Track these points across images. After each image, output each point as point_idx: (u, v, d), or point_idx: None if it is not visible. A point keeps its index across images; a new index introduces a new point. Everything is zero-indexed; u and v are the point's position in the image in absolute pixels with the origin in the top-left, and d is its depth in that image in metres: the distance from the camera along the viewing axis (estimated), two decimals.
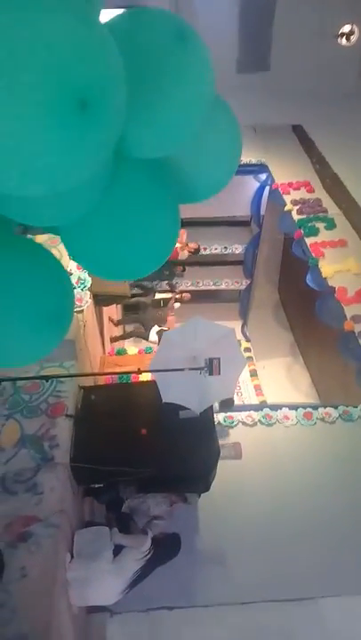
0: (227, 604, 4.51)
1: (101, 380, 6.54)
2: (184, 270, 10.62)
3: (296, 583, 4.62)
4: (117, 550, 4.17)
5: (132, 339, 9.72)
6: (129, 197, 2.20)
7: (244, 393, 9.74)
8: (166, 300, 9.67)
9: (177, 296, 9.73)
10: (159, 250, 2.44)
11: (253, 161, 8.88)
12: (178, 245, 9.42)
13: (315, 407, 6.19)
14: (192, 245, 9.68)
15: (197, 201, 2.65)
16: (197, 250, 9.85)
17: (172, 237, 2.45)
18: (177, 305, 9.59)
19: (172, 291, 10.08)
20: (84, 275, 6.18)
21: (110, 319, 8.87)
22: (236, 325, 11.15)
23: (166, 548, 4.31)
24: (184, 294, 9.79)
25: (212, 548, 4.51)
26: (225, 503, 4.56)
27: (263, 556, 4.48)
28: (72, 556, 4.15)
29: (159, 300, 9.68)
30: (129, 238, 2.26)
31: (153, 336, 8.61)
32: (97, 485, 4.89)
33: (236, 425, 5.91)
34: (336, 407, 6.10)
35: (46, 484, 4.24)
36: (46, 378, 4.71)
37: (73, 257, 2.43)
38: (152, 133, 1.99)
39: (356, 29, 8.79)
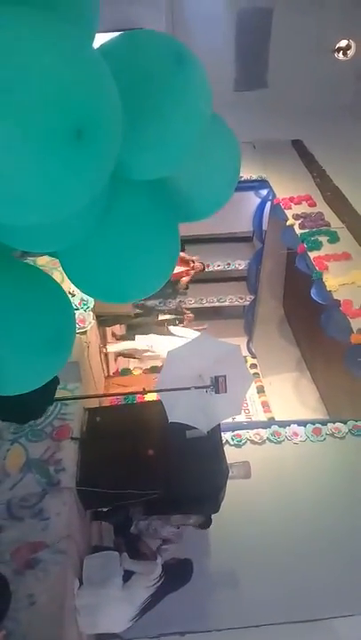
0: (240, 627, 4.42)
1: (106, 402, 6.50)
2: (187, 288, 10.58)
3: (310, 604, 4.53)
4: (127, 576, 4.10)
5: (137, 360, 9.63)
6: (127, 219, 2.18)
7: (252, 410, 9.65)
8: (172, 321, 9.62)
9: (179, 317, 9.67)
10: (160, 271, 2.41)
11: (254, 177, 8.89)
12: (183, 269, 9.40)
13: (324, 423, 6.12)
14: (197, 267, 9.61)
15: (198, 219, 2.64)
16: (203, 269, 9.80)
17: (172, 258, 2.43)
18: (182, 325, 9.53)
19: (177, 311, 10.01)
20: (87, 295, 6.16)
21: (113, 334, 8.82)
22: (242, 341, 11.09)
23: (177, 574, 4.23)
24: (187, 315, 9.74)
25: (224, 570, 4.43)
26: (235, 524, 4.49)
27: (276, 577, 4.40)
28: (81, 583, 4.08)
29: (163, 321, 9.64)
30: (128, 261, 2.22)
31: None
32: (104, 509, 4.84)
33: (244, 443, 5.84)
34: (345, 422, 6.02)
35: (52, 509, 4.19)
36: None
37: (72, 281, 2.41)
38: (150, 155, 1.97)
39: (352, 44, 8.87)
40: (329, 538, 4.94)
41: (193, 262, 9.46)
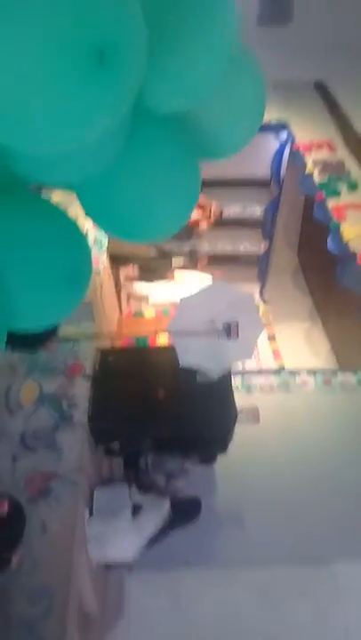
0: (243, 564, 4.60)
1: (119, 343, 6.57)
2: (206, 228, 10.44)
3: (313, 546, 4.68)
4: (136, 509, 4.25)
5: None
6: (148, 154, 2.12)
7: (262, 358, 9.71)
8: (185, 266, 9.56)
9: (192, 262, 9.61)
10: (179, 210, 2.37)
11: (274, 119, 8.61)
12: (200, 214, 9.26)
13: (334, 373, 6.16)
14: (215, 212, 9.45)
15: (220, 158, 2.57)
16: (221, 215, 9.65)
17: (192, 197, 2.38)
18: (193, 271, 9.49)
19: (191, 255, 9.92)
20: (101, 235, 6.13)
21: (127, 277, 8.81)
22: (255, 289, 11.04)
23: (185, 511, 4.38)
24: (201, 260, 9.67)
25: (230, 509, 4.58)
26: (242, 466, 4.61)
27: (281, 519, 4.54)
28: (91, 514, 4.24)
29: (177, 265, 9.58)
30: (147, 197, 2.17)
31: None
32: (115, 445, 4.96)
33: (254, 389, 5.91)
34: (356, 372, 6.06)
35: (65, 443, 4.31)
36: (65, 340, 4.73)
37: (89, 215, 2.37)
38: (172, 85, 1.90)
39: None
40: (335, 484, 5.05)
41: (210, 208, 9.31)
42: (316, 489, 5.01)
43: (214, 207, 9.31)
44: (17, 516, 3.17)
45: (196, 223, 9.13)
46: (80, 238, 2.52)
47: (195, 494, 4.53)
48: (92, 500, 4.31)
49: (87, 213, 2.37)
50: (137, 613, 4.42)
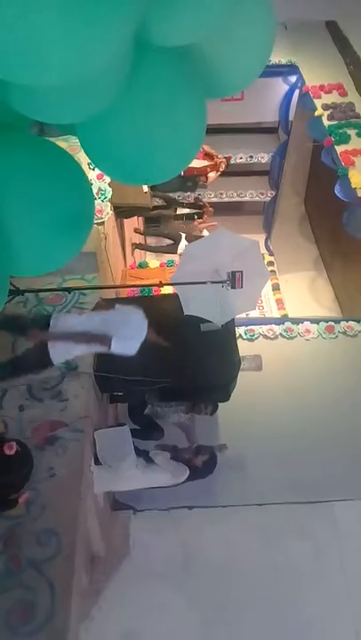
0: (244, 504, 4.75)
1: (123, 294, 6.56)
2: (207, 181, 10.28)
3: (312, 488, 4.83)
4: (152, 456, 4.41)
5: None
6: (151, 91, 2.04)
7: (266, 307, 9.71)
8: (190, 215, 9.44)
9: (199, 211, 9.47)
10: (184, 150, 2.28)
11: (283, 61, 8.29)
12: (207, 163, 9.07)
13: (337, 321, 6.17)
14: (222, 162, 9.23)
15: (225, 95, 2.46)
16: (227, 165, 9.43)
17: (197, 136, 2.29)
18: (201, 221, 9.36)
19: (196, 205, 9.77)
20: (105, 185, 6.02)
21: (135, 229, 8.73)
22: (260, 239, 10.91)
23: (200, 475, 4.52)
24: (207, 209, 9.53)
25: (232, 452, 4.68)
26: (245, 412, 4.69)
27: (282, 463, 4.66)
28: (96, 459, 4.35)
29: (182, 214, 9.46)
30: (150, 136, 2.09)
31: (183, 248, 8.47)
32: (120, 393, 5.04)
33: (257, 338, 5.94)
34: (359, 321, 6.07)
35: (71, 392, 4.38)
36: (69, 290, 4.74)
37: (91, 158, 2.30)
38: (177, 15, 1.79)
39: None
40: (335, 429, 5.17)
41: (217, 157, 9.10)
42: (316, 433, 5.13)
43: (222, 157, 9.11)
44: (25, 458, 3.26)
45: (204, 172, 8.95)
46: (82, 180, 2.46)
47: (198, 439, 4.61)
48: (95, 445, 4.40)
49: (88, 154, 2.30)
50: (142, 553, 4.61)
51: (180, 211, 9.46)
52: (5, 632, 3.27)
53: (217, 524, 4.67)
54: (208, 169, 8.95)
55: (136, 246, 8.67)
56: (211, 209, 9.43)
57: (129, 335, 3.87)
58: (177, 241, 8.50)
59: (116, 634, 4.18)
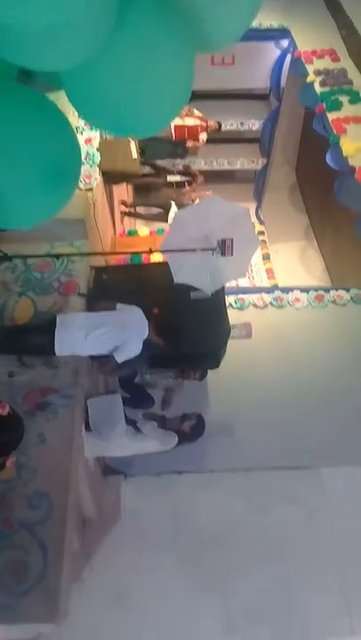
0: (234, 469, 4.83)
1: (113, 261, 6.52)
2: (198, 142, 10.14)
3: (301, 454, 4.92)
4: (140, 425, 4.46)
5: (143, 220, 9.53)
6: (139, 39, 1.99)
7: (256, 277, 9.70)
8: (180, 183, 9.33)
9: (186, 180, 9.37)
10: (171, 101, 2.24)
11: (275, 25, 8.14)
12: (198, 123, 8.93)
13: (326, 290, 6.19)
14: (212, 125, 9.10)
15: (213, 49, 2.41)
16: (219, 129, 9.30)
17: (185, 88, 2.25)
18: (191, 188, 9.27)
19: (186, 173, 9.65)
20: (93, 150, 5.94)
21: (122, 202, 8.63)
22: (251, 207, 10.83)
23: (190, 438, 4.57)
24: (197, 177, 9.42)
25: (221, 419, 4.74)
26: (234, 379, 4.74)
27: (271, 429, 4.72)
28: (86, 425, 4.38)
29: (172, 182, 9.35)
30: (137, 85, 2.06)
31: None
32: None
33: (247, 307, 5.96)
34: (348, 290, 6.10)
35: (61, 359, 4.36)
36: (57, 256, 4.70)
37: (77, 108, 2.25)
38: None
39: None
40: (324, 396, 5.24)
41: (207, 121, 8.97)
42: (305, 400, 5.20)
43: (212, 122, 8.99)
44: (16, 421, 3.27)
45: (195, 131, 8.82)
46: (68, 131, 2.40)
47: (187, 406, 4.65)
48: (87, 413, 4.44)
49: (74, 105, 2.25)
50: (133, 517, 4.68)
51: (171, 178, 9.35)
52: None
53: (207, 488, 4.75)
54: (199, 128, 8.82)
55: (126, 214, 8.58)
56: (201, 177, 9.33)
57: (132, 337, 4.14)
58: (167, 209, 8.43)
59: (107, 595, 4.27)
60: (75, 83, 2.16)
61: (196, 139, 8.91)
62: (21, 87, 2.31)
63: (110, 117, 2.24)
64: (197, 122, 8.74)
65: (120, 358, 4.15)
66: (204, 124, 8.82)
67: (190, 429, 4.59)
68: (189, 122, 8.71)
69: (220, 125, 9.11)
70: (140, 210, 9.71)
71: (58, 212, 2.41)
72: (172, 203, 8.26)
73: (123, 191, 8.93)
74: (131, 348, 4.16)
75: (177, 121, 8.54)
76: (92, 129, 5.98)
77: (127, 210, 8.78)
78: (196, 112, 8.78)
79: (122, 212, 8.52)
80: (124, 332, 4.14)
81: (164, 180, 9.27)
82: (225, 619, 4.14)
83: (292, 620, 4.12)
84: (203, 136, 8.96)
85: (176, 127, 8.57)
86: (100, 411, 4.44)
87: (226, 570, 4.36)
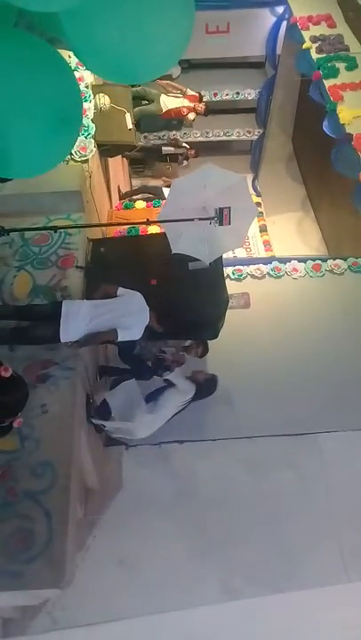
0: (233, 438, 4.90)
1: (110, 234, 6.50)
2: (193, 120, 10.04)
3: (299, 421, 5.00)
4: (158, 393, 4.53)
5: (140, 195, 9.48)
6: None
7: (253, 248, 9.67)
8: (174, 157, 9.26)
9: (181, 152, 9.30)
10: (172, 44, 2.21)
11: None
12: (185, 106, 8.84)
13: (324, 259, 6.21)
14: (200, 108, 9.00)
15: None
16: (206, 111, 9.20)
17: (186, 31, 2.21)
18: (185, 162, 9.21)
19: (176, 145, 9.55)
20: (88, 121, 5.87)
21: (119, 190, 8.57)
22: (247, 179, 10.76)
23: (206, 391, 4.64)
24: (190, 151, 9.35)
25: (220, 388, 4.77)
26: (234, 349, 4.77)
27: (269, 397, 4.78)
28: (90, 399, 4.43)
29: (166, 155, 9.27)
30: (139, 29, 2.03)
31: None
32: None
33: (245, 277, 5.97)
34: (345, 259, 6.11)
35: None
36: (54, 228, 4.67)
37: (78, 55, 2.22)
38: None
39: None
40: (322, 364, 5.31)
41: (197, 103, 8.87)
42: (302, 368, 5.28)
43: (200, 106, 8.91)
44: (19, 384, 3.29)
45: (180, 113, 8.76)
46: (69, 75, 2.36)
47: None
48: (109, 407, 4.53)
49: (74, 48, 2.22)
50: (134, 485, 4.76)
51: (165, 150, 9.27)
52: (5, 559, 3.41)
53: (207, 456, 4.83)
54: (185, 110, 8.73)
55: (123, 195, 8.54)
56: (192, 151, 9.26)
57: (134, 323, 4.21)
58: (160, 195, 8.39)
59: (111, 561, 4.37)
60: (74, 28, 2.12)
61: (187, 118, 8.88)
62: (22, 32, 2.27)
63: (111, 62, 2.21)
64: (185, 103, 8.67)
65: (122, 337, 4.20)
66: (192, 106, 8.76)
67: (205, 381, 4.67)
68: (174, 104, 8.68)
69: (207, 107, 9.02)
70: (135, 183, 9.65)
71: (63, 159, 2.37)
72: (163, 189, 8.26)
73: (118, 165, 8.85)
74: (133, 332, 4.24)
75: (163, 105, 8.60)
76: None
77: (124, 192, 8.75)
78: (190, 91, 8.75)
79: (119, 193, 8.48)
80: (127, 319, 4.21)
81: (160, 152, 9.21)
82: (225, 580, 4.24)
83: (290, 578, 4.22)
84: (191, 115, 8.89)
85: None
86: (119, 401, 4.52)
87: (226, 534, 4.45)
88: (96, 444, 4.76)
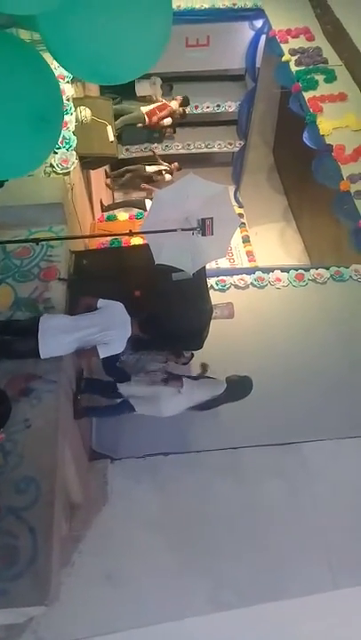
0: (218, 449, 4.87)
1: (93, 245, 6.48)
2: (174, 132, 10.11)
3: (284, 430, 4.99)
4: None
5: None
6: None
7: (237, 259, 9.71)
8: (159, 172, 9.32)
9: (165, 168, 9.36)
10: (149, 45, 2.21)
11: (249, 4, 8.14)
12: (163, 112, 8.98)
13: (306, 269, 6.25)
14: (177, 99, 9.12)
15: None
16: (184, 115, 9.31)
17: (163, 32, 2.21)
18: (168, 177, 9.26)
19: (158, 163, 9.61)
20: (69, 134, 5.87)
21: (101, 203, 8.58)
22: (229, 190, 10.83)
23: (237, 391, 4.64)
24: (173, 165, 9.42)
25: None
26: (218, 359, 4.75)
27: (254, 407, 4.75)
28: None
29: (150, 174, 9.34)
30: (116, 29, 2.03)
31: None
32: None
33: (228, 288, 5.98)
34: (328, 268, 6.15)
35: None
36: (36, 241, 4.65)
37: (55, 55, 2.21)
38: None
39: None
40: (305, 373, 5.31)
41: (174, 106, 8.98)
42: (286, 378, 5.28)
43: (178, 107, 9.03)
44: (1, 397, 3.24)
45: (152, 115, 8.86)
46: (50, 75, 2.35)
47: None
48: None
49: (52, 52, 2.21)
50: (120, 500, 4.69)
51: (149, 169, 9.35)
52: None
53: (193, 468, 4.79)
54: (157, 111, 8.82)
55: (106, 208, 8.56)
56: (174, 164, 9.34)
57: (115, 338, 4.21)
58: (143, 208, 8.43)
59: (97, 576, 4.29)
60: (51, 28, 2.11)
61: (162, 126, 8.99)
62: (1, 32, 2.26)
63: (88, 62, 2.21)
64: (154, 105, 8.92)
65: (103, 354, 4.20)
66: (170, 111, 8.90)
67: (238, 380, 4.67)
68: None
69: (184, 112, 9.15)
70: (118, 195, 9.67)
71: (45, 159, 2.35)
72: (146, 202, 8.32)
73: (100, 178, 8.87)
74: (114, 347, 4.23)
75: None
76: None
77: (107, 205, 8.78)
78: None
79: (102, 206, 8.50)
80: (108, 332, 4.18)
81: (143, 171, 9.27)
82: (213, 593, 4.20)
83: (279, 590, 4.18)
84: (167, 121, 9.00)
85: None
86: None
87: (213, 546, 4.41)
88: (80, 457, 4.70)
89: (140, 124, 9.08)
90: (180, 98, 9.18)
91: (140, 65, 2.26)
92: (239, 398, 4.65)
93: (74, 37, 2.07)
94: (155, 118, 8.92)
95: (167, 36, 2.27)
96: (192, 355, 4.93)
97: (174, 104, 9.08)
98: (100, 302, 4.32)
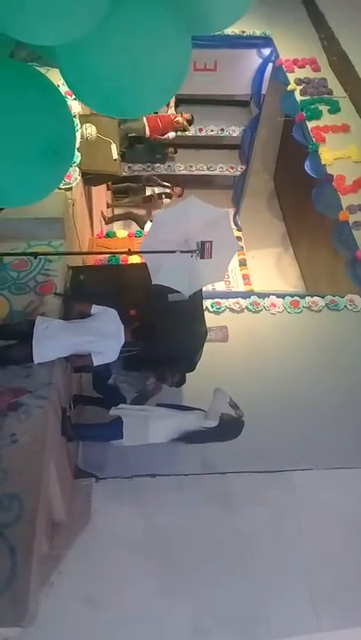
0: (206, 473, 4.82)
1: (91, 262, 6.48)
2: (176, 152, 10.21)
3: (272, 458, 4.93)
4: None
5: (121, 222, 9.55)
6: (135, 17, 1.99)
7: (233, 282, 9.74)
8: (160, 195, 9.39)
9: (166, 191, 9.45)
10: (166, 80, 2.22)
11: (257, 33, 8.27)
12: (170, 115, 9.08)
13: (302, 296, 6.26)
14: (184, 116, 9.22)
15: (211, 31, 2.40)
16: (191, 121, 9.39)
17: (180, 68, 2.23)
18: (167, 201, 9.33)
19: (159, 185, 9.69)
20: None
21: (102, 214, 8.62)
22: (229, 213, 10.88)
23: (227, 430, 4.55)
24: (175, 189, 9.50)
25: None
26: (209, 383, 4.71)
27: (243, 433, 4.70)
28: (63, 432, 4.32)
29: (151, 196, 9.41)
30: (133, 64, 2.04)
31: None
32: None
33: (223, 311, 5.97)
34: (323, 296, 6.16)
35: None
36: (34, 254, 4.64)
37: (70, 86, 2.22)
38: None
39: None
40: (297, 401, 5.28)
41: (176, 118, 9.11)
42: (278, 405, 5.24)
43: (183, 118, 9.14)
44: None
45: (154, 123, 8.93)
46: (62, 105, 2.36)
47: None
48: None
49: (67, 81, 2.22)
50: (104, 520, 4.61)
51: (149, 191, 9.43)
52: None
53: (179, 491, 4.72)
54: (159, 120, 8.92)
55: (108, 220, 8.60)
56: (177, 189, 9.41)
57: (109, 346, 4.22)
58: (142, 226, 8.47)
59: (76, 598, 4.20)
60: (68, 59, 2.12)
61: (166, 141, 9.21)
62: (16, 62, 2.27)
63: (104, 96, 2.20)
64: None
65: (97, 362, 4.20)
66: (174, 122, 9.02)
67: (230, 420, 4.57)
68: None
69: (191, 119, 9.24)
70: (118, 212, 9.72)
71: (52, 190, 2.36)
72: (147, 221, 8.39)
73: (102, 195, 8.91)
74: (108, 356, 4.23)
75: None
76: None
77: (109, 216, 8.83)
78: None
79: (104, 218, 8.54)
80: (102, 340, 4.19)
81: (144, 191, 9.35)
82: (194, 621, 4.12)
83: (261, 622, 4.11)
84: (171, 134, 9.09)
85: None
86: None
87: (197, 572, 4.33)
88: (65, 475, 4.64)
89: (139, 145, 9.19)
90: (186, 115, 9.28)
91: (154, 101, 2.28)
92: (228, 439, 4.58)
93: (89, 69, 2.08)
94: (157, 129, 8.98)
95: (186, 69, 2.28)
96: (184, 379, 4.90)
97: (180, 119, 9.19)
98: (95, 308, 4.34)
